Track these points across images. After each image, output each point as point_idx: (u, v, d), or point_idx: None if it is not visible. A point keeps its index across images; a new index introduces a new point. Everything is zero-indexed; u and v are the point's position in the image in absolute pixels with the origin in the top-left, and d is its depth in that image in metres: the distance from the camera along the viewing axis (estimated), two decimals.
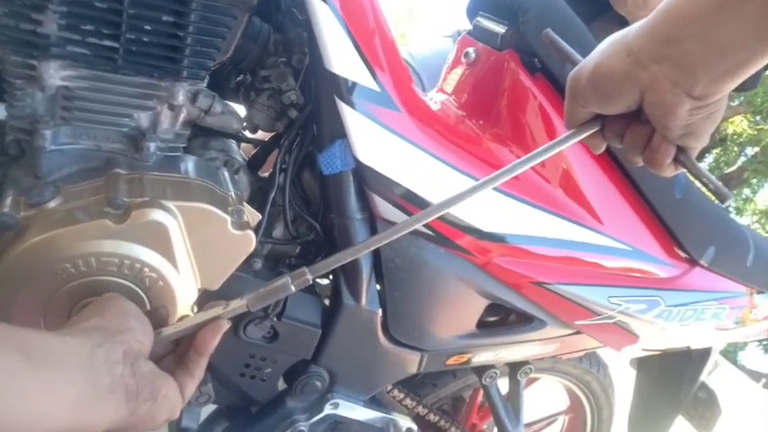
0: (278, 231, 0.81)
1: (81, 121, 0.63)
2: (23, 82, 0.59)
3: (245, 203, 0.69)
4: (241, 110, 0.79)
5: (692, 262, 1.02)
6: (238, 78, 0.81)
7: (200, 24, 0.61)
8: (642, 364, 1.43)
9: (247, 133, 0.82)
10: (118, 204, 0.59)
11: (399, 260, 0.82)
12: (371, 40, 0.66)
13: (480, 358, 0.98)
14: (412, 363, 0.92)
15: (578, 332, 1.04)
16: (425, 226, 0.79)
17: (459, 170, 0.78)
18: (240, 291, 0.74)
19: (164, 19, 0.60)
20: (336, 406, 0.89)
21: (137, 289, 0.62)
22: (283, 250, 0.83)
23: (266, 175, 0.83)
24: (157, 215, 0.60)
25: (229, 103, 0.73)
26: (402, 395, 1.04)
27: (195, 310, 0.69)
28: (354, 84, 0.67)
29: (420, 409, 1.09)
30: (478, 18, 0.90)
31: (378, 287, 0.83)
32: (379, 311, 0.84)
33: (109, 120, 0.64)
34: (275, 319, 0.77)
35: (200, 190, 0.66)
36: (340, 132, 0.71)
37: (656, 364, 1.37)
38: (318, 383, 0.86)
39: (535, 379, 1.38)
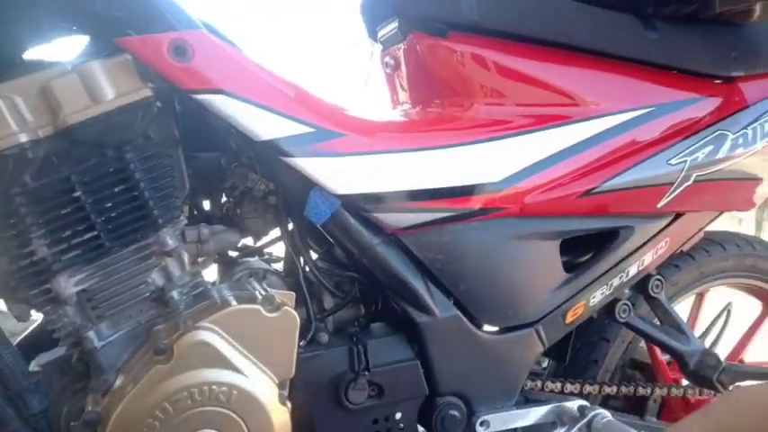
0: (328, 302, 0.83)
1: (111, 310, 0.71)
2: (50, 307, 0.68)
3: (272, 290, 0.73)
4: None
5: (726, 79, 0.93)
6: (225, 208, 0.89)
7: (147, 178, 0.69)
8: None
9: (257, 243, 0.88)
10: (160, 349, 0.65)
11: (442, 255, 0.81)
12: (274, 94, 0.72)
13: (596, 299, 0.91)
14: (531, 341, 0.87)
15: (675, 215, 0.95)
16: (440, 209, 0.79)
17: (426, 149, 0.79)
18: (320, 369, 0.76)
19: (117, 191, 0.69)
20: (488, 424, 0.84)
21: (218, 409, 0.65)
22: (345, 315, 0.84)
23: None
24: (196, 337, 0.65)
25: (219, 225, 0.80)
26: (559, 384, 0.96)
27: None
28: (288, 137, 0.72)
29: (592, 389, 0.99)
30: (378, 31, 0.96)
31: (439, 291, 0.82)
32: (458, 312, 0.82)
33: (131, 295, 0.71)
34: (366, 373, 0.77)
35: (227, 302, 0.71)
36: (307, 186, 0.75)
37: None
38: (455, 413, 0.82)
39: (702, 294, 1.24)
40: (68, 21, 0.80)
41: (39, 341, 0.82)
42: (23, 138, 0.63)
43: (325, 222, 0.76)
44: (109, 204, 0.68)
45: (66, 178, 0.66)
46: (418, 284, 0.80)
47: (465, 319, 0.82)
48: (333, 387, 0.77)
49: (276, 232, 0.87)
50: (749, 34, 0.95)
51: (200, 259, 0.79)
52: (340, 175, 0.75)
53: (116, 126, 0.67)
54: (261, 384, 0.67)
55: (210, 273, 0.93)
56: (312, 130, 0.74)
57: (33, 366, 0.75)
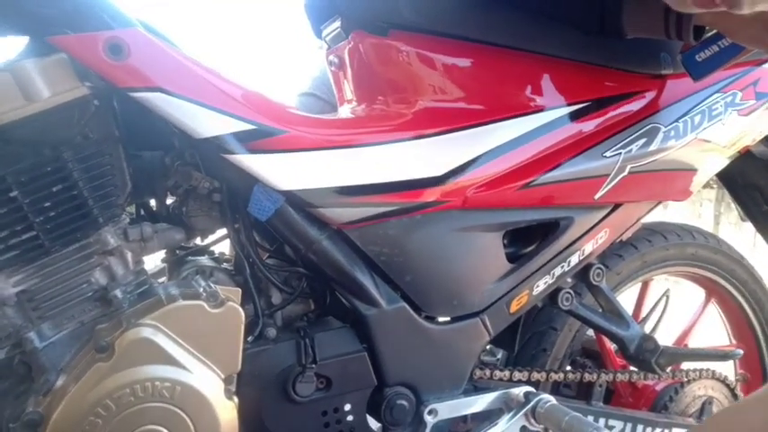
0: (276, 298, 0.84)
1: (52, 310, 0.70)
2: None
3: (217, 286, 0.73)
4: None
5: (657, 76, 0.97)
6: (170, 207, 0.89)
7: (86, 177, 0.69)
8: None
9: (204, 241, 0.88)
10: (102, 347, 0.65)
11: (387, 249, 0.82)
12: (213, 91, 0.72)
13: (539, 288, 0.94)
14: (477, 330, 0.89)
15: (613, 205, 0.99)
16: (384, 203, 0.80)
17: (369, 145, 0.81)
18: (268, 363, 0.77)
19: (55, 190, 0.68)
20: (436, 412, 0.86)
21: (162, 405, 0.65)
22: (294, 311, 0.85)
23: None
24: (138, 333, 0.65)
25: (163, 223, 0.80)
26: (509, 372, 0.99)
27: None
28: (229, 135, 0.73)
29: (540, 376, 1.02)
30: (322, 30, 0.97)
31: (385, 284, 0.83)
32: (404, 303, 0.84)
33: (73, 295, 0.71)
34: (313, 366, 0.78)
35: (172, 298, 0.71)
36: (250, 182, 0.76)
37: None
38: (404, 402, 0.84)
39: (647, 283, 1.29)
40: (2, 21, 0.80)
41: None
42: None
43: (269, 218, 0.77)
44: (47, 204, 0.68)
45: (2, 178, 0.65)
46: (364, 278, 0.81)
47: (411, 310, 0.84)
48: (280, 381, 0.77)
49: (223, 230, 0.87)
50: None
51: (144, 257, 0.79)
52: (282, 171, 0.76)
53: (52, 125, 0.66)
54: (206, 380, 0.67)
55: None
56: (253, 126, 0.74)
57: None
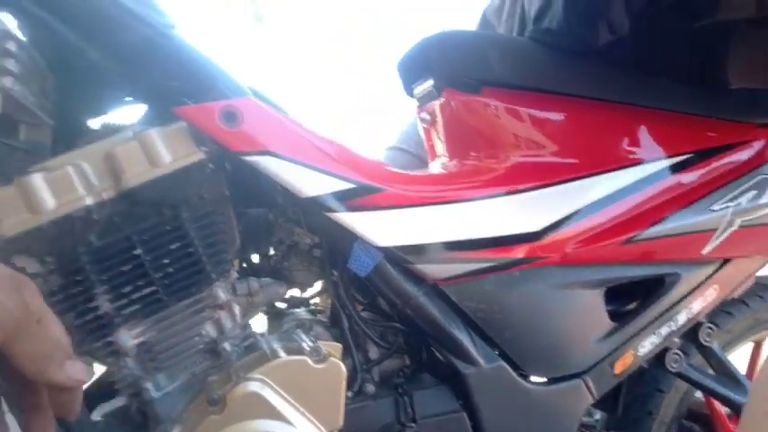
0: (373, 353, 0.84)
1: (167, 361, 0.74)
2: (112, 359, 0.72)
3: (319, 341, 0.75)
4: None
5: (764, 125, 0.93)
6: (273, 261, 0.92)
7: (201, 235, 0.73)
8: None
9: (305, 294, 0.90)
10: (214, 400, 0.67)
11: (485, 305, 0.82)
12: (317, 153, 0.76)
13: (645, 348, 0.89)
14: (580, 392, 0.85)
15: (722, 261, 0.93)
16: (481, 259, 0.80)
17: (465, 201, 0.81)
18: (367, 420, 0.77)
19: (173, 248, 0.73)
20: None
21: None
22: (390, 366, 0.85)
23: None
24: (247, 388, 0.67)
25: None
26: None
27: None
28: (331, 193, 0.76)
29: None
30: (414, 88, 1.01)
31: (483, 342, 0.82)
32: (503, 362, 0.82)
33: (186, 347, 0.74)
34: (412, 424, 0.77)
35: (276, 353, 0.73)
36: (350, 239, 0.78)
37: None
38: None
39: (759, 342, 1.19)
40: (128, 92, 0.88)
41: (98, 392, 0.86)
42: (89, 200, 0.68)
43: (368, 274, 0.78)
44: (166, 261, 0.72)
45: (127, 237, 0.70)
46: (461, 335, 0.81)
47: (510, 369, 0.82)
48: None
49: (321, 284, 0.90)
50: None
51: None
52: (381, 227, 0.78)
53: (172, 187, 0.72)
54: None
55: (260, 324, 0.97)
56: (353, 185, 0.77)
57: (95, 416, 0.78)
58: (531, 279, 0.83)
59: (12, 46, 0.68)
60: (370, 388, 0.79)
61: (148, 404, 0.72)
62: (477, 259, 0.80)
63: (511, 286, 0.81)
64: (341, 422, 0.72)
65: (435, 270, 0.80)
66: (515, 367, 0.83)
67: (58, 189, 0.67)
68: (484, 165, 0.90)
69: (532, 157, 0.89)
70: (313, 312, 0.91)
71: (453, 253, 0.80)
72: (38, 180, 0.66)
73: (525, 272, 0.82)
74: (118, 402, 0.80)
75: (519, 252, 0.81)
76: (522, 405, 0.82)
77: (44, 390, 0.45)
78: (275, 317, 0.93)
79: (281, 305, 0.92)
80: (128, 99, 0.90)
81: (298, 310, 0.93)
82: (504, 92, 0.91)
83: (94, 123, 0.94)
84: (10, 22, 0.75)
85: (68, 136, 0.87)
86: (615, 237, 0.84)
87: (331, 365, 0.71)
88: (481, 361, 0.81)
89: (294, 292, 0.91)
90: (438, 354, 0.82)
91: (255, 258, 0.91)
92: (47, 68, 0.82)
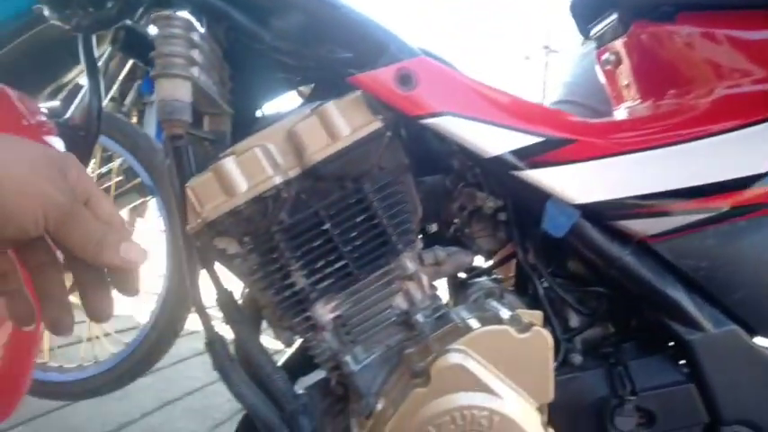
0: (573, 321, 0.77)
1: (362, 335, 0.73)
2: (311, 334, 0.73)
3: (518, 310, 0.70)
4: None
5: None
6: (453, 230, 0.89)
7: (384, 205, 0.71)
8: None
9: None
10: (417, 372, 0.65)
11: (706, 262, 0.71)
12: (498, 109, 0.70)
13: None
14: None
15: None
16: (697, 210, 0.69)
17: (669, 145, 0.70)
18: (578, 393, 0.71)
19: (359, 221, 0.72)
20: None
21: None
22: (594, 334, 0.78)
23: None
24: (450, 360, 0.64)
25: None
26: None
27: None
28: (517, 150, 0.69)
29: None
30: (590, 29, 0.90)
31: (707, 303, 0.71)
32: (735, 325, 0.71)
33: (379, 320, 0.74)
34: (633, 397, 0.69)
35: (472, 324, 0.69)
36: (542, 198, 0.71)
37: None
38: None
39: None
40: (298, 73, 0.88)
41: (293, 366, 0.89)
42: (278, 180, 0.68)
43: (564, 235, 0.71)
44: (353, 234, 0.71)
45: (315, 213, 0.70)
46: (680, 296, 0.71)
47: (744, 333, 0.71)
48: (594, 413, 0.71)
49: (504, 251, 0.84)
50: None
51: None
52: (576, 182, 0.70)
53: (353, 160, 0.70)
54: (521, 409, 0.64)
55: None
56: (541, 139, 0.70)
57: (298, 389, 0.80)
58: (759, 229, 0.70)
59: (195, 36, 0.70)
60: (577, 358, 0.72)
61: (348, 377, 0.72)
62: (692, 210, 0.70)
63: (738, 238, 0.70)
64: (551, 395, 0.66)
65: (643, 226, 0.70)
66: (750, 330, 0.71)
67: (248, 171, 0.68)
68: (686, 103, 0.78)
69: (746, 87, 0.75)
70: (496, 281, 0.86)
71: (662, 205, 0.70)
72: (230, 164, 0.68)
73: (754, 220, 0.69)
74: (319, 375, 0.82)
75: (744, 198, 0.69)
76: (762, 373, 0.71)
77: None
78: (458, 288, 0.90)
79: (461, 276, 0.88)
80: (298, 80, 0.91)
81: (480, 279, 0.88)
82: (704, 15, 0.77)
83: (267, 109, 0.97)
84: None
85: (245, 123, 0.90)
86: None
87: (536, 334, 0.65)
88: (708, 325, 0.70)
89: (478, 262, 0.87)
90: (653, 319, 0.73)
91: (435, 228, 0.88)
92: (223, 57, 0.85)
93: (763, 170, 0.70)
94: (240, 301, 0.80)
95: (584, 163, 0.70)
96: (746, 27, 0.77)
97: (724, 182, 0.70)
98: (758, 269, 0.70)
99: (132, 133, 1.61)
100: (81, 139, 0.93)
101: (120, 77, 1.17)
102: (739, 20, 0.77)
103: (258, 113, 0.96)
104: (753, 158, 0.70)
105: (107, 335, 2.00)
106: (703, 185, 0.70)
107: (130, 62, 1.34)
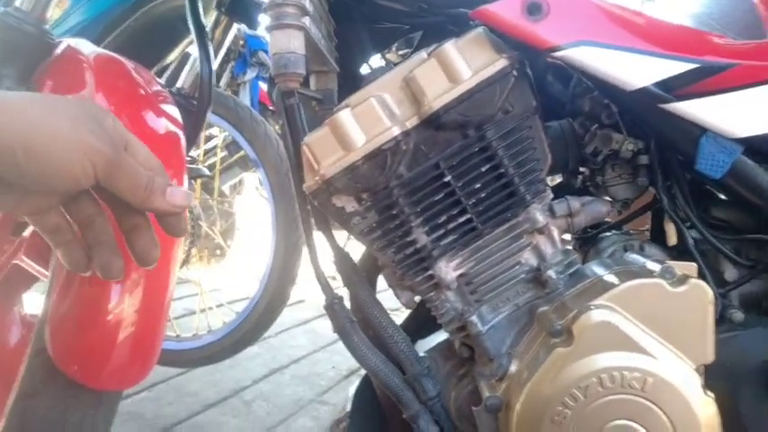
0: (730, 273, 0.68)
1: (489, 293, 0.69)
2: (434, 293, 0.69)
3: (671, 263, 0.62)
4: None
5: None
6: (582, 179, 0.81)
7: (510, 153, 0.66)
8: None
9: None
10: (557, 332, 0.60)
11: None
12: (640, 34, 0.61)
13: None
14: None
15: None
16: None
17: None
18: (741, 352, 0.63)
19: (482, 171, 0.66)
20: None
21: (632, 397, 0.57)
22: (754, 288, 0.69)
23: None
24: (596, 317, 0.58)
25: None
26: None
27: None
28: (667, 79, 0.61)
29: None
30: None
31: None
32: None
33: (506, 277, 0.68)
34: None
35: (613, 278, 0.62)
36: (695, 134, 0.62)
37: None
38: None
39: None
40: (404, 20, 0.83)
41: (411, 329, 0.85)
42: (396, 131, 0.64)
43: (724, 174, 0.62)
44: (477, 186, 0.66)
45: (436, 165, 0.66)
46: None
47: None
48: (758, 376, 0.62)
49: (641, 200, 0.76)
50: None
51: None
52: (737, 114, 0.61)
53: (476, 104, 0.64)
54: (678, 370, 0.57)
55: None
56: (695, 65, 0.61)
57: (419, 352, 0.77)
58: None
59: None
60: (738, 315, 0.64)
61: (475, 338, 0.68)
62: None
63: None
64: (711, 355, 0.59)
65: None
66: None
67: (365, 123, 0.64)
68: None
69: None
70: (634, 233, 0.79)
71: None
72: (346, 116, 0.65)
73: None
74: (437, 338, 0.78)
75: None
76: None
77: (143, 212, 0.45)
78: (586, 243, 0.83)
79: (592, 231, 0.81)
80: (406, 29, 0.87)
81: (611, 233, 0.81)
82: None
83: (376, 61, 0.93)
84: None
85: (350, 81, 0.87)
86: None
87: (694, 287, 0.58)
88: None
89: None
90: None
91: (561, 177, 0.81)
92: (330, 12, 0.82)
93: None
94: (357, 262, 0.78)
95: (745, 90, 0.61)
96: None
97: None
98: None
99: (233, 106, 1.63)
100: (193, 108, 0.93)
101: (225, 45, 1.17)
102: None
103: (363, 70, 0.92)
104: None
105: (219, 306, 2.09)
106: None
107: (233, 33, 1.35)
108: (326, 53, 0.77)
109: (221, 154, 2.10)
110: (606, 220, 0.81)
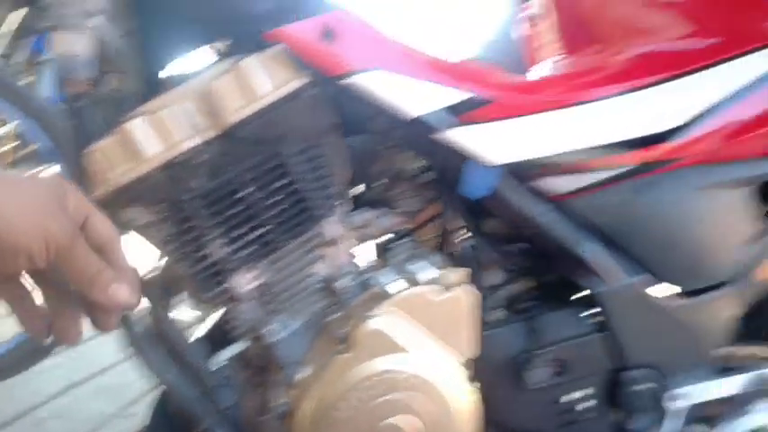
0: (496, 277, 0.79)
1: (284, 303, 0.71)
2: (231, 305, 0.70)
3: (446, 269, 0.70)
4: None
5: None
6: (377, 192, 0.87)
7: (307, 169, 0.69)
8: None
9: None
10: (339, 339, 0.64)
11: (618, 217, 0.74)
12: (421, 66, 0.69)
13: None
14: (727, 302, 0.77)
15: None
16: (610, 166, 0.72)
17: (585, 103, 0.72)
18: (497, 348, 0.73)
19: (279, 186, 0.68)
20: (681, 397, 0.76)
21: (408, 394, 0.63)
22: (515, 290, 0.80)
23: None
24: (373, 324, 0.64)
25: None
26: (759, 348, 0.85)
27: None
28: (440, 109, 0.69)
29: None
30: None
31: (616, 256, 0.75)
32: (640, 277, 0.75)
33: (302, 287, 0.72)
34: (546, 349, 0.72)
35: (394, 287, 0.69)
36: (461, 159, 0.71)
37: None
38: (645, 387, 0.75)
39: None
40: (214, 28, 0.83)
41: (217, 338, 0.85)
42: (192, 143, 0.64)
43: (484, 195, 0.72)
44: (273, 200, 0.68)
45: (233, 178, 0.67)
46: (593, 251, 0.74)
47: (650, 283, 0.75)
48: (512, 366, 0.73)
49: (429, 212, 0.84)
50: None
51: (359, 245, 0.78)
52: (495, 143, 0.71)
53: (274, 120, 0.66)
54: (447, 366, 0.65)
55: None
56: (463, 97, 0.69)
57: (216, 363, 0.78)
58: (669, 183, 0.73)
59: None
60: (497, 314, 0.74)
61: (269, 348, 0.70)
62: (605, 167, 0.72)
63: (646, 193, 0.73)
64: (478, 350, 0.68)
65: (559, 184, 0.72)
66: (654, 282, 0.76)
67: (159, 133, 0.63)
68: (604, 60, 0.80)
69: (665, 43, 0.77)
70: (420, 242, 0.87)
71: (577, 163, 0.72)
72: (139, 125, 0.63)
73: (661, 176, 0.73)
74: (237, 348, 0.79)
75: (653, 154, 0.72)
76: (664, 321, 0.76)
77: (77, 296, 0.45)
78: (383, 251, 0.89)
79: (389, 238, 0.88)
80: (210, 36, 0.85)
81: (404, 241, 0.88)
82: None
83: (181, 64, 0.90)
84: None
85: (155, 82, 0.83)
86: (763, 127, 0.73)
87: (462, 291, 0.66)
88: (617, 277, 0.74)
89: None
90: (568, 273, 0.76)
91: (361, 190, 0.86)
92: (131, 7, 0.78)
93: (674, 125, 0.72)
94: (156, 273, 0.76)
95: (502, 122, 0.71)
96: None
97: (635, 139, 0.72)
98: (661, 222, 0.74)
99: (23, 93, 1.46)
100: None
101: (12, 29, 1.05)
102: None
103: (171, 70, 0.89)
104: (663, 117, 0.73)
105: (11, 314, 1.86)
106: (619, 142, 0.72)
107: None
108: (124, 53, 0.74)
109: (10, 144, 1.87)
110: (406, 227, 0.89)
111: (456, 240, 0.79)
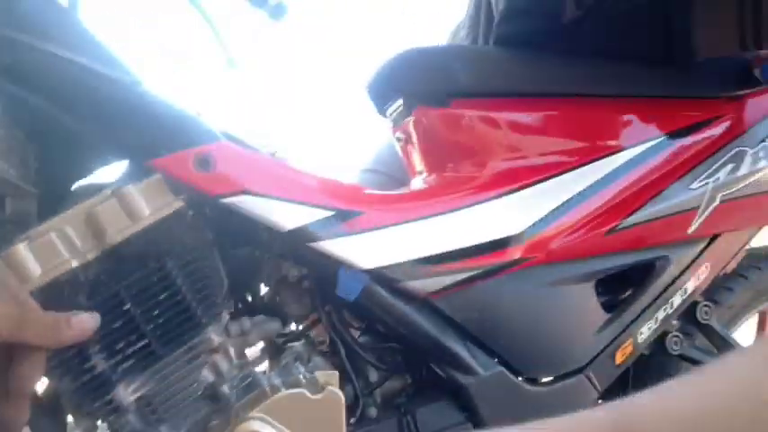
0: (373, 376, 0.84)
1: (168, 412, 0.74)
2: (114, 417, 0.73)
3: (316, 372, 0.75)
4: None
5: (734, 98, 0.94)
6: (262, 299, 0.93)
7: (188, 282, 0.74)
8: None
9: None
10: None
11: (477, 313, 0.82)
12: (292, 186, 0.77)
13: (644, 335, 0.89)
14: (583, 388, 0.85)
15: (710, 237, 0.93)
16: (467, 268, 0.81)
17: (443, 213, 0.82)
18: None
19: (161, 299, 0.74)
20: None
21: None
22: (392, 387, 0.85)
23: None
24: (248, 428, 0.67)
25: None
26: None
27: None
28: (310, 224, 0.76)
29: None
30: (386, 109, 1.02)
31: (480, 350, 0.82)
32: (502, 368, 0.82)
33: (185, 395, 0.75)
34: None
35: (276, 388, 0.73)
36: (335, 266, 0.78)
37: None
38: None
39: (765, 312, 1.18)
40: (107, 152, 0.90)
41: None
42: (74, 263, 0.69)
43: (357, 298, 0.79)
44: (155, 312, 0.73)
45: (116, 294, 0.71)
46: (457, 346, 0.81)
47: (510, 374, 0.82)
48: None
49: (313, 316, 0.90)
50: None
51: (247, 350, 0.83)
52: (363, 250, 0.79)
53: (154, 239, 0.72)
54: None
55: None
56: (331, 212, 0.78)
57: None
58: (520, 281, 0.83)
59: None
60: (373, 411, 0.79)
61: None
62: (463, 269, 0.81)
63: (500, 291, 0.82)
64: None
65: (423, 285, 0.80)
66: (515, 372, 0.83)
67: (42, 256, 0.68)
68: (462, 175, 0.91)
69: (510, 160, 0.90)
70: (312, 344, 0.92)
71: (438, 266, 0.80)
72: (22, 250, 0.67)
73: (513, 274, 0.82)
74: None
75: (504, 256, 0.82)
76: (527, 408, 0.82)
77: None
78: (275, 353, 0.94)
79: (279, 340, 0.93)
80: (107, 158, 0.92)
81: (296, 343, 0.93)
82: (473, 101, 0.92)
83: (80, 186, 0.96)
84: None
85: (55, 201, 0.89)
86: (598, 228, 0.85)
87: (328, 394, 0.71)
88: (480, 370, 0.81)
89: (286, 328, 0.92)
90: (437, 368, 0.82)
91: (249, 298, 0.92)
92: (25, 138, 0.84)
93: (518, 230, 0.83)
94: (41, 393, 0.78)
95: (370, 232, 0.79)
96: (509, 110, 0.92)
97: (488, 242, 0.82)
98: (516, 317, 0.83)
99: None
100: None
101: None
102: (502, 105, 0.92)
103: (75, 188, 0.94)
104: (511, 222, 0.83)
105: None
106: (473, 246, 0.82)
107: None
108: (18, 181, 0.79)
109: None
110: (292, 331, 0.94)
111: (333, 342, 0.85)
